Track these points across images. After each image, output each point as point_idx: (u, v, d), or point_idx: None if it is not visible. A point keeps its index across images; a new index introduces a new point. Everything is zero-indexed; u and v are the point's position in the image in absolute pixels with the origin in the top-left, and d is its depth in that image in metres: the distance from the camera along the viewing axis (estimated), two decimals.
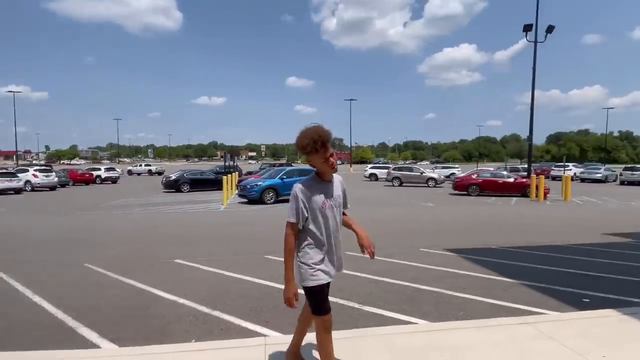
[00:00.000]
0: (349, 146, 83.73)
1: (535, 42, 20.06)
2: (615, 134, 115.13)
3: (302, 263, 2.25)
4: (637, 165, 31.45)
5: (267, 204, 14.94)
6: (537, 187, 17.28)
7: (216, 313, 3.96)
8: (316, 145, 2.17)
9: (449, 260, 6.14)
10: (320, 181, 2.30)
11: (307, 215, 2.23)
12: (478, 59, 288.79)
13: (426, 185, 25.27)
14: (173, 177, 21.78)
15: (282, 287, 2.32)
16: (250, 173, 26.28)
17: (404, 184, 25.77)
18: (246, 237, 8.35)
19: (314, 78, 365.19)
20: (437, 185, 25.21)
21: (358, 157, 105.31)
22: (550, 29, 20.22)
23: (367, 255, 2.36)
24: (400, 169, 27.97)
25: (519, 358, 2.84)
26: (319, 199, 2.24)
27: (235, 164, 29.61)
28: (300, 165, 31.73)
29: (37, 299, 4.38)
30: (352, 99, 62.13)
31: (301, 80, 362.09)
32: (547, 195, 17.40)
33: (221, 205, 14.66)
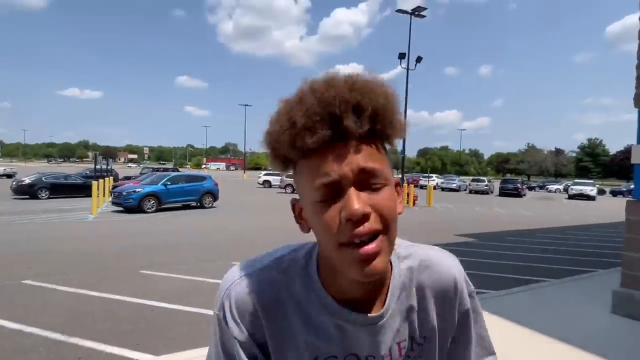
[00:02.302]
0: (244, 152, 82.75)
1: (407, 69, 23.06)
2: (467, 151, 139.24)
3: None
4: (481, 177, 38.66)
5: (147, 212, 13.67)
6: (408, 194, 19.80)
7: (74, 340, 3.48)
8: (297, 131, 0.54)
9: None
10: (325, 294, 0.63)
11: None
12: None
13: None
14: (27, 180, 18.16)
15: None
16: (128, 178, 23.61)
17: (295, 192, 26.50)
18: (118, 250, 7.48)
19: (209, 80, 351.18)
20: None
21: (252, 163, 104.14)
22: (419, 59, 23.41)
23: None
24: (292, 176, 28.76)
25: None
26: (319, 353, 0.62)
27: (110, 167, 26.21)
28: (190, 171, 29.76)
29: None
30: (247, 105, 61.86)
31: (194, 80, 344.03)
32: (416, 201, 20.01)
33: (90, 214, 12.85)
